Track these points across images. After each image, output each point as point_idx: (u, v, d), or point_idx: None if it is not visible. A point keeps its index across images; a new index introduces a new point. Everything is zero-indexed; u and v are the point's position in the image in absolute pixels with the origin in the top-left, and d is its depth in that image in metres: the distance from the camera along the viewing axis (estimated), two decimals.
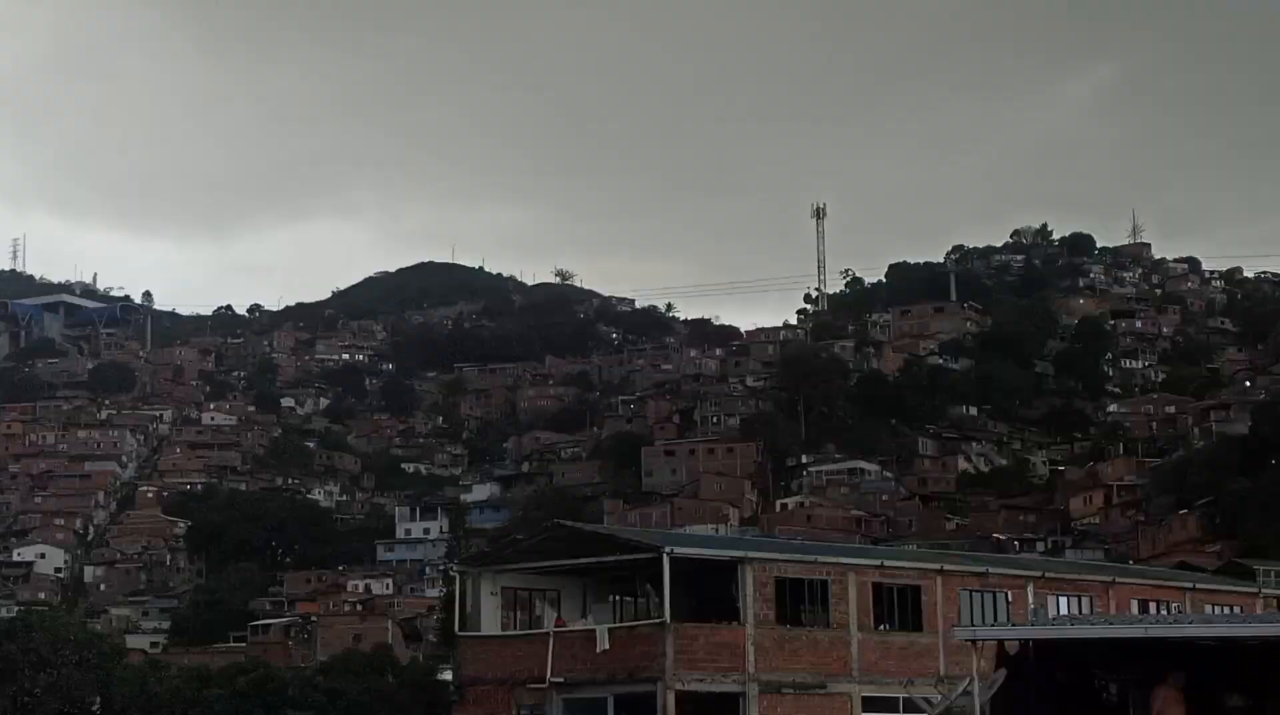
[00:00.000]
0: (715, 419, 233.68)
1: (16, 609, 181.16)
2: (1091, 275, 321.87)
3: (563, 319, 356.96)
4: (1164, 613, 67.51)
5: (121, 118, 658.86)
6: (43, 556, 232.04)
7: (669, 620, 58.67)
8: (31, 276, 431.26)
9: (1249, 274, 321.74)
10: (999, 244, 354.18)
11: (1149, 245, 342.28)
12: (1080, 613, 64.16)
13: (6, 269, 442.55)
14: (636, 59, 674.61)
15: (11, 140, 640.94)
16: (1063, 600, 66.63)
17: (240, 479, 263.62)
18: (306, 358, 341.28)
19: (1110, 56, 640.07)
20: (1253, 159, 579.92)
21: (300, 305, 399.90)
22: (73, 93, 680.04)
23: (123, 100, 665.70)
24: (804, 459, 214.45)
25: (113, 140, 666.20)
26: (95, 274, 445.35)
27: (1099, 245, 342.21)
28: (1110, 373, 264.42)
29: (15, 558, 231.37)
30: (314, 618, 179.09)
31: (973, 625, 56.23)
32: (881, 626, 63.38)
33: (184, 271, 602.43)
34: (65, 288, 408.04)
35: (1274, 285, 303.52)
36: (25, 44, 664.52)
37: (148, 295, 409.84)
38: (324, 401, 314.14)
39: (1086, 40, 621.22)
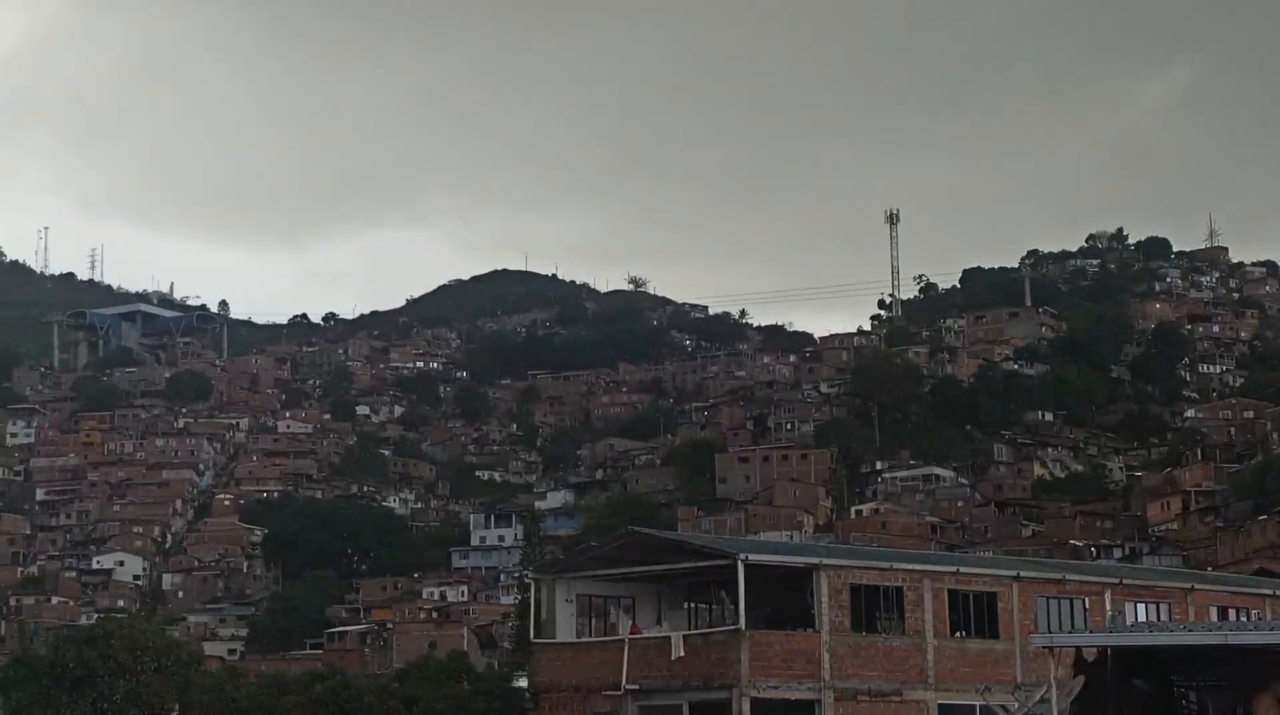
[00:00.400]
0: (789, 425, 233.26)
1: (96, 616, 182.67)
2: (1168, 279, 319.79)
3: (636, 326, 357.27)
4: (1244, 620, 66.92)
5: (197, 127, 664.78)
6: (121, 564, 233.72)
7: (744, 627, 58.58)
8: (109, 286, 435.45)
9: None
10: (1074, 249, 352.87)
11: (1226, 249, 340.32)
12: (1159, 620, 63.64)
13: (85, 279, 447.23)
14: (709, 65, 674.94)
15: (89, 151, 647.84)
16: (1141, 607, 66.15)
17: (316, 487, 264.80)
18: (381, 366, 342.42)
19: (1184, 58, 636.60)
20: None
21: (375, 313, 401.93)
22: (148, 103, 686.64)
23: (198, 110, 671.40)
24: (878, 465, 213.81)
25: (189, 150, 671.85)
26: (172, 283, 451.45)
27: (1175, 249, 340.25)
28: (1187, 378, 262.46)
29: (94, 566, 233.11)
30: (389, 625, 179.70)
31: (1050, 632, 56.01)
32: (957, 634, 63.07)
33: (260, 280, 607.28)
34: (142, 297, 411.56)
35: None
36: (100, 55, 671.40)
37: (224, 304, 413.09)
38: (399, 409, 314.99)
39: (1160, 42, 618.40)
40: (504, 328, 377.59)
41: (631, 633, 63.48)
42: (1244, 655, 42.37)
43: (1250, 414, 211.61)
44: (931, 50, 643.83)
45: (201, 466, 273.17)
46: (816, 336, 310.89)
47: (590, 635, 65.89)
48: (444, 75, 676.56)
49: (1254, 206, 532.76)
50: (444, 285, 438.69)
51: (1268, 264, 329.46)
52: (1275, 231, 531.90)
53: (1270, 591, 73.13)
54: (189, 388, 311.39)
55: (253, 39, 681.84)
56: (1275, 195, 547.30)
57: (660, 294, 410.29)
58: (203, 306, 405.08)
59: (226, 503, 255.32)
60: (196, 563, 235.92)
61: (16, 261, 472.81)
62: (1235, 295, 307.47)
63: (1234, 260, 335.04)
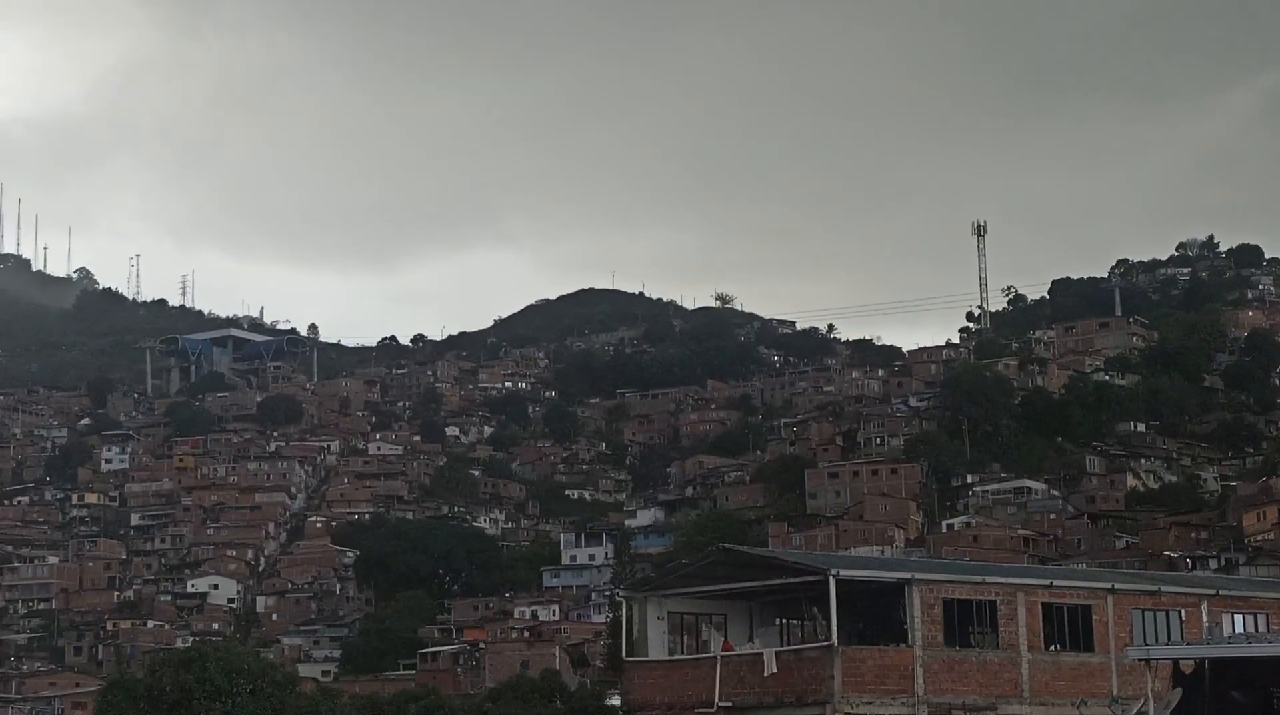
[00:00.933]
0: (879, 440, 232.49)
1: (191, 639, 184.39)
2: (1260, 287, 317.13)
3: (724, 342, 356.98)
4: None
5: (284, 153, 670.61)
6: (216, 587, 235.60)
7: (836, 643, 58.42)
8: (200, 312, 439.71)
9: None
10: (1164, 257, 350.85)
11: None
12: (1256, 631, 63.01)
13: (176, 305, 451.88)
14: (793, 79, 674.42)
15: (178, 179, 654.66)
16: (1238, 618, 65.47)
17: (407, 508, 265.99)
18: (470, 386, 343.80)
19: (1274, 64, 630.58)
20: None
21: (463, 334, 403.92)
22: (236, 130, 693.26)
23: (284, 136, 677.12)
24: (969, 479, 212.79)
25: (276, 176, 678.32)
26: (262, 308, 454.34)
27: (1268, 256, 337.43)
28: None
29: (189, 589, 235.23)
30: (482, 645, 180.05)
31: (1146, 645, 55.55)
32: (1052, 647, 62.64)
33: (348, 303, 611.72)
34: (233, 322, 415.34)
35: None
36: (189, 83, 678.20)
37: (313, 328, 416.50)
38: (488, 429, 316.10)
39: (1249, 48, 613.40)
40: (591, 346, 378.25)
41: (724, 650, 63.41)
42: None
43: None
44: (1017, 60, 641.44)
45: (293, 489, 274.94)
46: (905, 350, 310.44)
47: (682, 653, 65.85)
48: (527, 96, 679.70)
49: None
50: (531, 305, 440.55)
51: None
52: None
53: None
54: (280, 411, 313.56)
55: (338, 66, 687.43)
56: None
57: (747, 310, 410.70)
58: (292, 330, 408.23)
59: (318, 525, 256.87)
60: (290, 585, 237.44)
61: (109, 289, 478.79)
62: None
63: None
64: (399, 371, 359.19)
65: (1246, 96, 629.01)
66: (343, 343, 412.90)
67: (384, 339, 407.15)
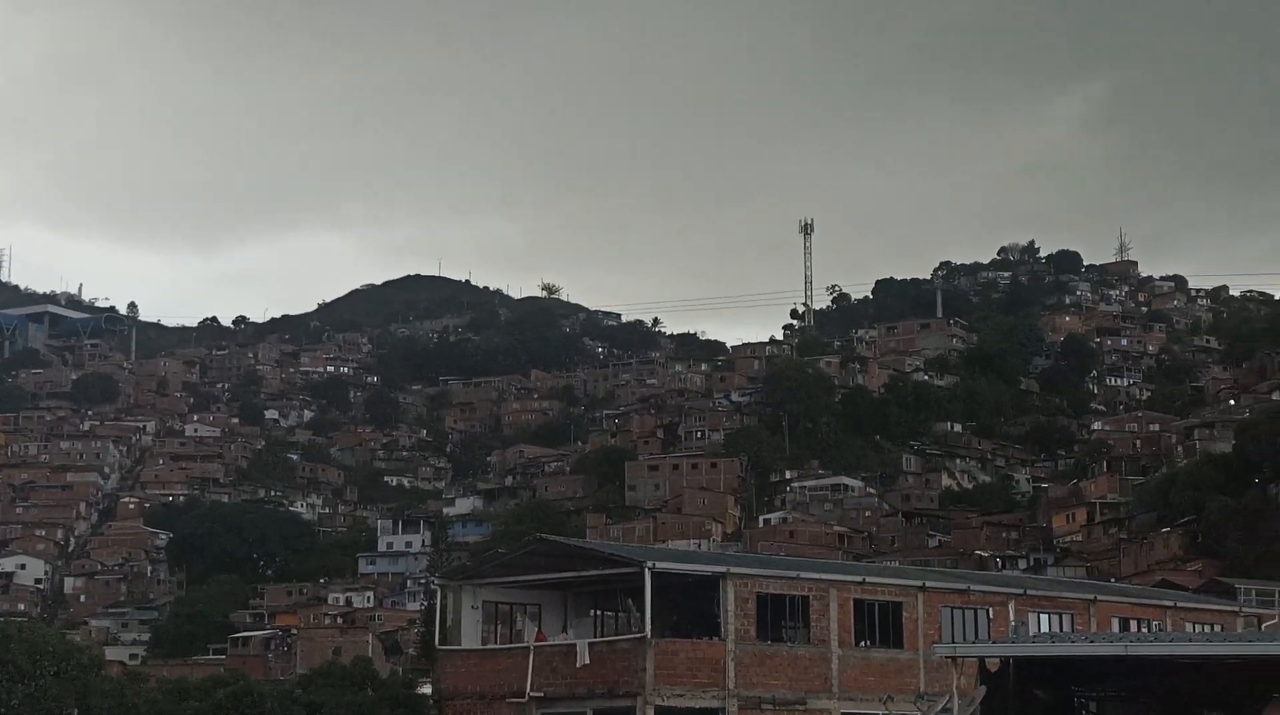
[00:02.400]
0: (700, 434, 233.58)
1: None
2: (1078, 293, 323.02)
3: (548, 333, 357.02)
4: (1145, 631, 67.49)
5: (110, 129, 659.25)
6: (23, 567, 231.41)
7: (649, 635, 58.56)
8: (16, 287, 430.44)
9: (1235, 292, 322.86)
10: (986, 261, 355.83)
11: (1135, 263, 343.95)
12: (1061, 631, 64.11)
13: None
14: (625, 73, 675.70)
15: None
16: (1044, 618, 66.58)
17: (222, 491, 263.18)
18: (291, 370, 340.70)
19: (1100, 75, 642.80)
20: (1240, 178, 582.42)
21: (286, 317, 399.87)
22: (61, 103, 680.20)
23: (111, 111, 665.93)
24: (788, 475, 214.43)
25: (101, 151, 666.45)
26: (81, 285, 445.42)
27: (1085, 263, 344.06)
28: (1095, 390, 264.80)
29: None
30: (294, 630, 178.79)
31: (954, 642, 56.23)
32: (862, 643, 63.28)
33: (170, 283, 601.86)
34: (50, 298, 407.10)
35: (1259, 304, 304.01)
36: (16, 55, 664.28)
37: (133, 306, 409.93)
38: (308, 414, 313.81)
39: (1077, 59, 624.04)
40: (416, 333, 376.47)
41: (537, 640, 63.36)
42: (1133, 666, 42.73)
43: (1156, 427, 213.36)
44: (848, 62, 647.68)
45: (107, 469, 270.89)
46: (729, 345, 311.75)
47: (496, 642, 65.68)
48: (361, 80, 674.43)
49: (1164, 222, 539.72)
50: (356, 290, 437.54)
51: (1175, 278, 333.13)
52: (1184, 247, 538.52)
53: (1171, 603, 73.86)
54: (95, 390, 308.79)
55: (168, 41, 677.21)
56: (1185, 211, 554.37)
57: (573, 301, 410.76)
58: (111, 308, 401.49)
59: (131, 506, 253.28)
60: (99, 566, 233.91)
61: None
62: (1143, 309, 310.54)
63: (1143, 274, 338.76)
64: (219, 353, 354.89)
65: (1070, 105, 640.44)
66: (163, 322, 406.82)
67: (205, 320, 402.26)
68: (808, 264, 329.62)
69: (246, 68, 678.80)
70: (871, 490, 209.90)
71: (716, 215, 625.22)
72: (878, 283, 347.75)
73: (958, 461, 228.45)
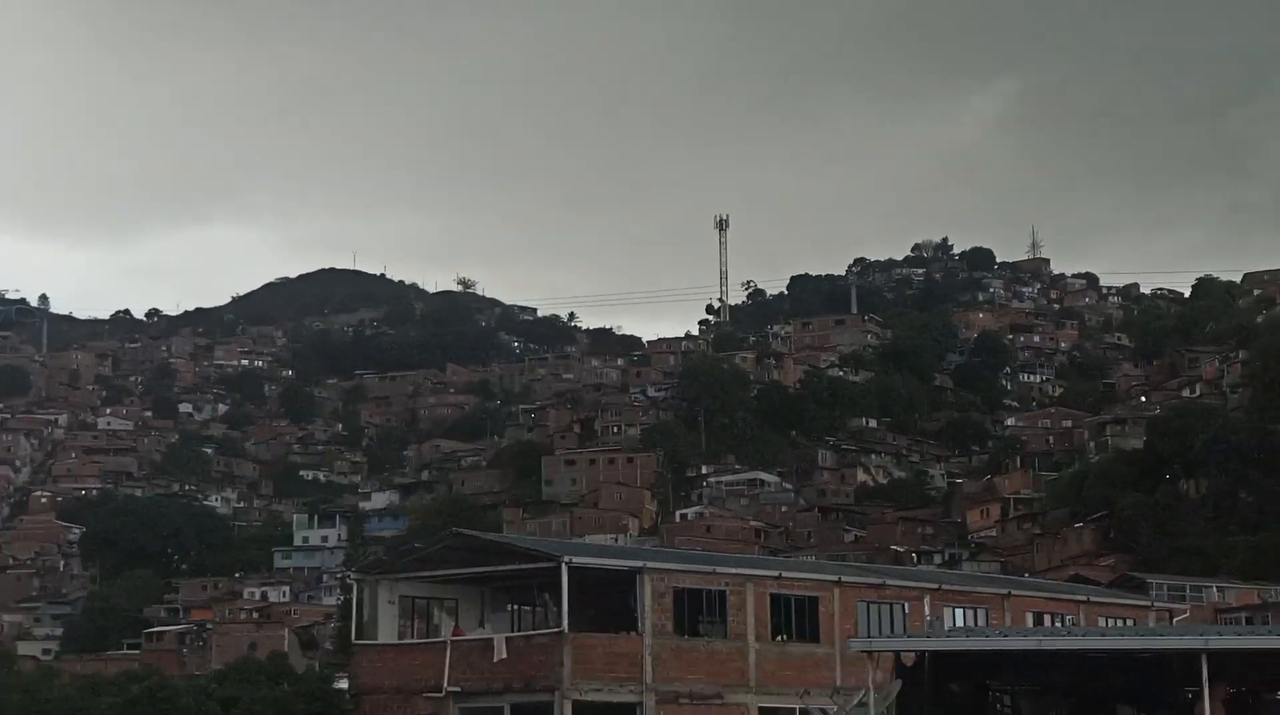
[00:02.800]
0: (616, 429, 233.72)
1: None
2: (991, 290, 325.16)
3: (464, 327, 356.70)
4: (1059, 625, 68.02)
5: (18, 117, 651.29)
6: None
7: (566, 630, 58.60)
8: None
9: (1145, 290, 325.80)
10: (900, 257, 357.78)
11: (1048, 261, 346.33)
12: (976, 625, 64.52)
13: None
14: (541, 67, 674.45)
15: None
16: (959, 612, 66.98)
17: (136, 485, 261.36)
18: (205, 363, 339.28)
19: (1013, 71, 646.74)
20: (1150, 177, 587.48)
21: (199, 310, 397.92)
22: None
23: (19, 99, 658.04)
24: (704, 470, 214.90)
25: (9, 140, 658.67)
26: None
27: (999, 260, 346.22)
28: (1008, 387, 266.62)
29: None
30: (209, 625, 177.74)
31: (869, 637, 56.51)
32: (779, 637, 63.50)
33: (81, 275, 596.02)
34: None
35: (1170, 302, 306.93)
36: None
37: (44, 298, 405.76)
38: (222, 407, 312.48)
39: (990, 55, 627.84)
40: (330, 327, 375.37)
41: (454, 635, 63.27)
42: (1046, 660, 43.07)
43: (1068, 423, 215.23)
44: (763, 56, 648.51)
45: (18, 463, 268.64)
46: (645, 341, 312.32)
47: (413, 637, 65.55)
48: (276, 70, 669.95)
49: (1076, 220, 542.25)
50: (270, 283, 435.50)
51: (1088, 276, 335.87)
52: (1096, 244, 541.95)
53: (1085, 598, 74.45)
54: (6, 383, 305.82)
55: (77, 28, 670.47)
56: (1097, 209, 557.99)
57: (489, 295, 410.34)
58: (22, 300, 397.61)
59: (44, 500, 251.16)
60: (11, 561, 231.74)
61: None
62: (1056, 307, 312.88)
63: (1055, 272, 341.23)
64: (132, 346, 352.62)
65: (986, 101, 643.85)
66: (74, 315, 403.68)
67: (118, 312, 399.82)
68: (723, 260, 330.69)
69: (157, 57, 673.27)
70: (787, 485, 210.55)
71: (632, 210, 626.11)
72: (793, 279, 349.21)
73: (873, 457, 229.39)
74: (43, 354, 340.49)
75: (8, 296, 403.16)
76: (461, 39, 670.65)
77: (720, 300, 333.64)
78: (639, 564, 61.78)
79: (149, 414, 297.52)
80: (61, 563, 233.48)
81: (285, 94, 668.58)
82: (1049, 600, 72.71)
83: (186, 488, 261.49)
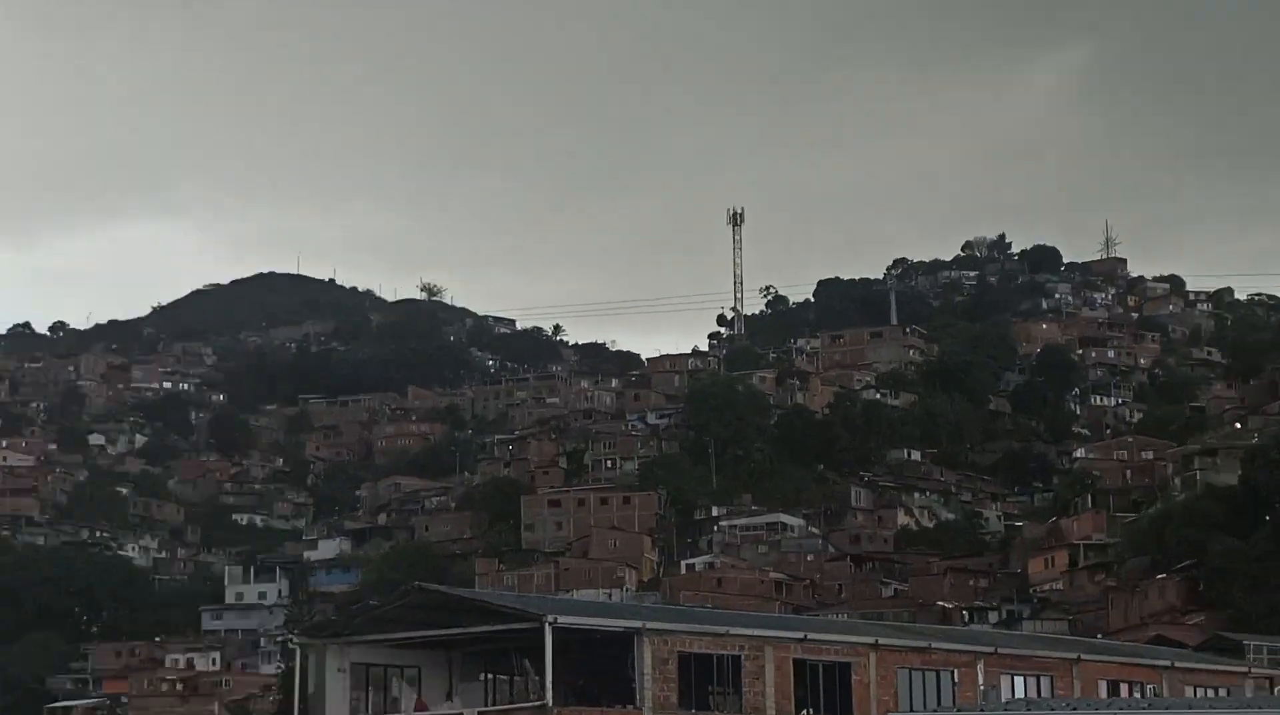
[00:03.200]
0: (610, 463, 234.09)
1: None
2: (1056, 296, 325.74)
3: (429, 342, 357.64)
4: (1137, 696, 68.07)
5: None
6: None
7: (550, 703, 58.69)
8: None
9: (1240, 296, 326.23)
10: (948, 258, 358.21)
11: (1124, 261, 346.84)
12: (1039, 696, 64.59)
13: None
14: (519, 41, 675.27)
15: None
16: (1019, 680, 67.11)
17: (38, 531, 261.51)
18: (120, 386, 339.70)
19: (1081, 37, 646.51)
20: (1247, 160, 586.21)
21: (114, 323, 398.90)
22: None
23: None
24: (714, 511, 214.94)
25: None
26: None
27: (1065, 261, 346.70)
28: (1077, 411, 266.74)
29: None
30: (124, 699, 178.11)
31: (911, 711, 56.57)
32: (804, 712, 63.59)
33: None
34: None
35: (1269, 309, 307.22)
36: None
37: None
38: (141, 439, 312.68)
39: (1053, 18, 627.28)
40: (270, 342, 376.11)
41: (416, 709, 63.38)
42: None
43: (1149, 455, 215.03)
44: (784, 25, 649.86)
45: None
46: (644, 358, 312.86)
47: (367, 712, 65.69)
48: (210, 49, 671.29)
49: (1158, 213, 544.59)
50: (198, 290, 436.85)
51: (1171, 279, 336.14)
52: (1181, 242, 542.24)
53: (1168, 663, 74.50)
54: None
55: None
56: (1182, 200, 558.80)
57: (458, 304, 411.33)
58: None
59: None
60: None
61: None
62: (1134, 315, 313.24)
63: (1133, 274, 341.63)
64: (33, 365, 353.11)
65: (1047, 77, 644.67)
66: None
67: (16, 325, 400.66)
68: (737, 262, 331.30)
69: (67, 32, 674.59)
70: (814, 530, 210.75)
71: (629, 205, 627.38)
72: (820, 283, 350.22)
73: (916, 496, 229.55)
74: None
75: None
76: (429, 10, 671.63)
77: (734, 309, 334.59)
78: (637, 624, 61.92)
79: (53, 447, 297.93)
80: None
81: (216, 73, 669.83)
82: (1125, 665, 72.86)
83: (98, 535, 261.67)
